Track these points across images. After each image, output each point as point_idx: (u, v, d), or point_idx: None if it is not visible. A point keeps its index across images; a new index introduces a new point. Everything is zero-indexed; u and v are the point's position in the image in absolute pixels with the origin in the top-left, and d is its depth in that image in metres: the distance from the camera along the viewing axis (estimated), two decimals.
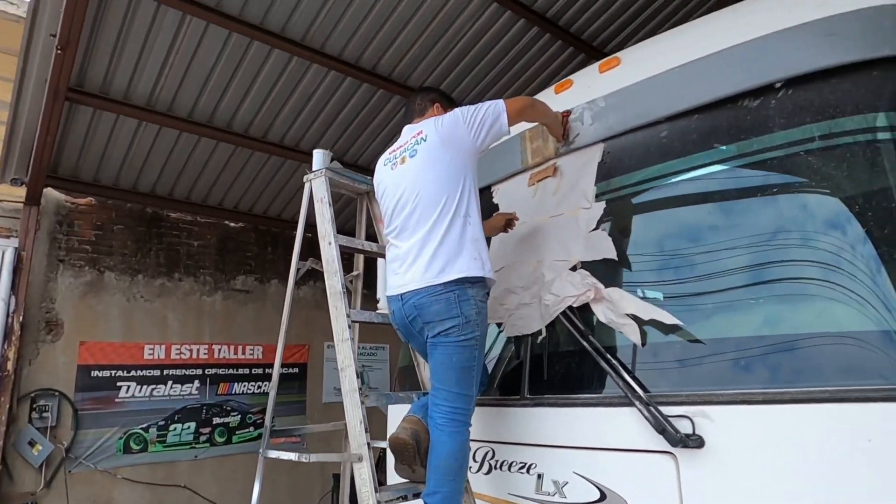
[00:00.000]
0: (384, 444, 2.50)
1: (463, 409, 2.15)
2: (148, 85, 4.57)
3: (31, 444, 4.84)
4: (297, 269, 2.63)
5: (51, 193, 5.30)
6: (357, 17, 4.43)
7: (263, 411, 6.35)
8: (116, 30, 4.07)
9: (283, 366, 6.53)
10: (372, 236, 2.82)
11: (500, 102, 2.39)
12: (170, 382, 5.77)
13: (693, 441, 1.82)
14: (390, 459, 2.44)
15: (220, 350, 6.16)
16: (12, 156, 4.78)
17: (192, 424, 5.85)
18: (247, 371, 6.32)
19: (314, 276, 6.90)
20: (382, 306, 3.33)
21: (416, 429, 2.24)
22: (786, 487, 1.69)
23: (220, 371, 6.13)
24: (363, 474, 1.98)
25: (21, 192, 5.08)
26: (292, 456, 2.32)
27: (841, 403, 1.65)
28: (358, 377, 2.13)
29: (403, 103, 5.36)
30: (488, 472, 2.46)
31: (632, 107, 2.51)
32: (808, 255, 1.89)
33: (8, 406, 4.63)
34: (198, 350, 6.00)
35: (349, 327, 2.21)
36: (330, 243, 2.37)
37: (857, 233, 1.85)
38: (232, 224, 6.52)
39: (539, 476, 2.26)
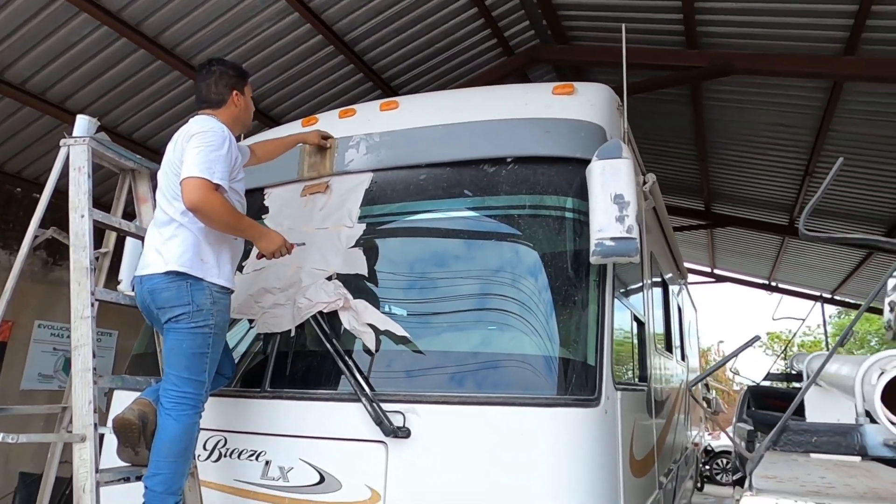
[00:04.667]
0: (105, 430, 2.43)
1: (191, 394, 2.23)
2: None
3: None
4: (35, 237, 2.41)
5: None
6: None
7: None
8: None
9: None
10: (130, 214, 2.72)
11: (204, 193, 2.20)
12: None
13: (402, 432, 2.23)
14: (111, 444, 2.39)
15: None
16: None
17: None
18: None
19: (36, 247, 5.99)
20: (124, 287, 3.18)
21: (145, 410, 2.25)
22: (468, 468, 2.19)
23: None
24: (84, 455, 1.95)
25: None
26: None
27: (508, 406, 2.23)
28: (94, 357, 2.08)
29: (184, 81, 5.13)
30: (217, 460, 2.56)
31: (401, 147, 2.93)
32: (501, 295, 2.48)
33: None
34: None
35: (91, 305, 2.15)
36: (83, 216, 2.26)
37: (540, 281, 2.51)
38: None
39: (267, 463, 2.45)
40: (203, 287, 2.27)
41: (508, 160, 2.74)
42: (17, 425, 5.53)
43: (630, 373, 3.20)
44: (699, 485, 10.97)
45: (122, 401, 2.74)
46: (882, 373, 1.40)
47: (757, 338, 2.46)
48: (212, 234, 2.36)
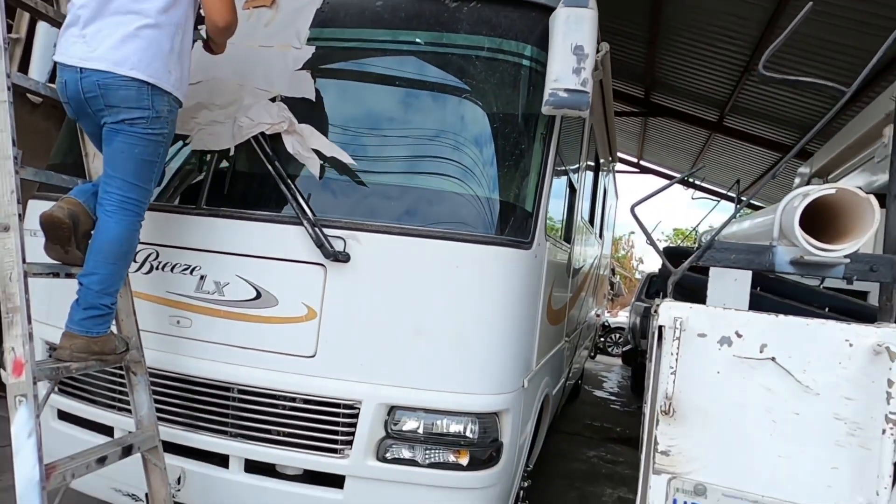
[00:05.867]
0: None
1: (136, 200, 2.16)
2: None
3: None
4: None
5: None
6: None
7: None
8: None
9: None
10: None
11: None
12: None
13: (342, 256, 2.30)
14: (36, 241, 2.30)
15: None
16: None
17: None
18: None
19: None
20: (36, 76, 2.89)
21: (75, 210, 2.16)
22: (403, 295, 2.32)
23: None
24: (9, 244, 1.87)
25: None
26: None
27: (446, 241, 2.33)
28: (14, 145, 1.93)
29: None
30: (148, 272, 2.55)
31: None
32: (450, 133, 2.50)
33: None
34: None
35: (7, 88, 1.95)
36: None
37: (490, 126, 2.53)
38: None
39: (202, 277, 2.47)
40: (163, 94, 2.12)
41: None
42: None
43: (558, 231, 3.38)
44: (592, 353, 12.23)
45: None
46: (806, 196, 1.58)
47: (702, 167, 2.64)
48: (185, 46, 2.20)
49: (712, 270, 1.70)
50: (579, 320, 5.29)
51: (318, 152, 2.44)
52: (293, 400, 2.35)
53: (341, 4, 2.74)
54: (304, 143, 2.46)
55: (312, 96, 2.54)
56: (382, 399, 2.28)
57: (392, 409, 2.30)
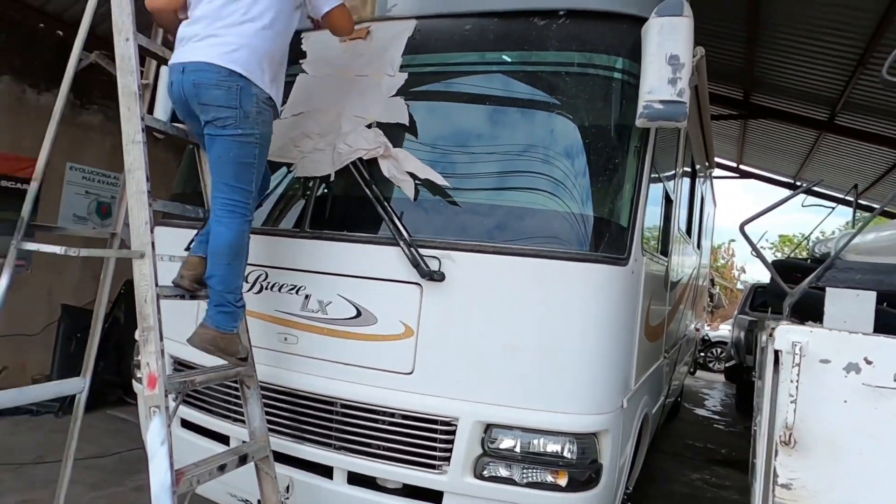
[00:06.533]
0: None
1: (240, 202, 2.31)
2: None
3: None
4: (80, 60, 2.39)
5: None
6: None
7: None
8: None
9: (10, 179, 5.67)
10: (170, 46, 2.67)
11: None
12: None
13: (437, 275, 2.35)
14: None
15: None
16: None
17: None
18: None
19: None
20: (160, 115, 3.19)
21: (196, 273, 2.39)
22: (498, 312, 2.33)
23: None
24: (144, 270, 2.08)
25: None
26: (57, 249, 2.25)
27: (541, 259, 2.32)
28: (147, 180, 2.15)
29: None
30: (259, 292, 2.73)
31: None
32: (542, 150, 2.50)
33: None
34: None
35: (142, 130, 2.18)
36: (128, 39, 2.22)
37: (583, 141, 2.51)
38: None
39: (306, 297, 2.62)
40: (252, 94, 2.26)
41: (561, 13, 2.62)
42: (48, 262, 5.82)
43: (654, 244, 3.28)
44: (692, 369, 11.61)
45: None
46: None
47: (821, 180, 2.48)
48: (283, 51, 2.41)
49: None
50: (678, 335, 5.07)
51: (412, 174, 2.53)
52: (392, 415, 2.42)
53: (432, 30, 2.83)
54: (400, 166, 2.56)
55: (406, 121, 2.64)
56: (479, 417, 2.30)
57: (489, 427, 2.31)
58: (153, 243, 2.12)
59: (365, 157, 2.61)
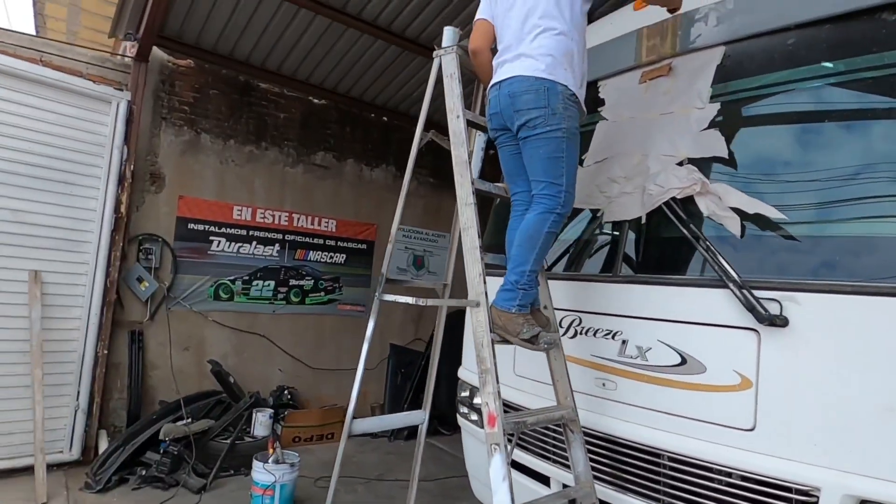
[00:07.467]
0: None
1: (547, 195, 2.43)
2: None
3: (139, 280, 5.47)
4: (420, 139, 2.87)
5: (156, 52, 5.55)
6: None
7: (334, 279, 6.89)
8: None
9: (352, 241, 7.01)
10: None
11: None
12: (254, 242, 6.28)
13: (780, 320, 2.09)
14: None
15: (298, 219, 6.61)
16: (126, 10, 5.00)
17: (272, 283, 6.42)
18: (321, 241, 6.79)
19: (386, 160, 7.18)
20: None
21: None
22: (853, 366, 1.95)
23: (298, 238, 6.61)
24: (479, 318, 2.33)
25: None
26: (408, 299, 2.69)
27: None
28: (479, 237, 2.42)
29: None
30: (573, 337, 2.80)
31: (761, 9, 2.55)
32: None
33: (121, 244, 5.19)
34: (279, 216, 6.46)
35: (473, 193, 2.48)
36: (458, 117, 2.58)
37: None
38: (315, 100, 6.74)
39: (623, 342, 2.58)
40: (557, 91, 2.43)
41: None
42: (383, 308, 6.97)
43: None
44: None
45: None
46: None
47: None
48: (583, 46, 2.57)
49: None
50: None
51: (737, 210, 2.33)
52: (730, 475, 2.19)
53: (745, 53, 2.61)
54: (721, 202, 2.38)
55: (725, 153, 2.46)
56: (850, 490, 1.92)
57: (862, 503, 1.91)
58: (486, 292, 2.35)
59: (678, 196, 2.51)
